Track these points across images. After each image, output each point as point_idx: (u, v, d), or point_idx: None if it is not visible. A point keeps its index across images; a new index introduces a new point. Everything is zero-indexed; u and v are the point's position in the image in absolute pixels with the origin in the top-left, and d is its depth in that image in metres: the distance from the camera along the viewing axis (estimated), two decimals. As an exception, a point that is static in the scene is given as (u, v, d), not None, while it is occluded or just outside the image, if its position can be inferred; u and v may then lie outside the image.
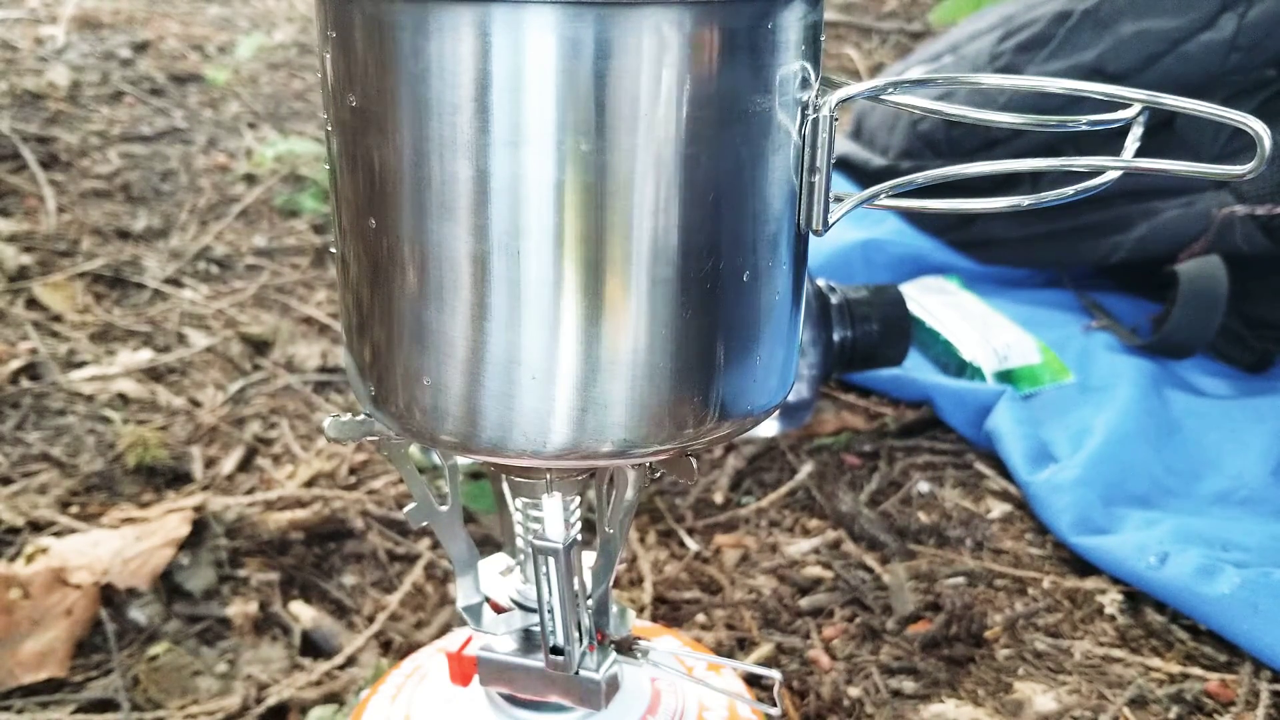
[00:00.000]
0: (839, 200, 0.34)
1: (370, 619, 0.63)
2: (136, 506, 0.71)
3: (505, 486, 0.44)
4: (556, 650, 0.42)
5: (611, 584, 0.42)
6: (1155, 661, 0.59)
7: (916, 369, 0.85)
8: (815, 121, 0.33)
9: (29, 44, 1.57)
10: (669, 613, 0.63)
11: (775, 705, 0.42)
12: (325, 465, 0.75)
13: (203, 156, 1.29)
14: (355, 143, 0.32)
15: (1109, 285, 0.97)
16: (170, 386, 0.86)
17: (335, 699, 0.57)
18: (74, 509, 0.71)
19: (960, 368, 0.84)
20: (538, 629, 0.43)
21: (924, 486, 0.74)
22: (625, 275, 0.31)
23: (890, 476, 0.75)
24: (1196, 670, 0.58)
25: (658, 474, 0.38)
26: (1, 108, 1.33)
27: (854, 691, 0.57)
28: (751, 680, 0.55)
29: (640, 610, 0.63)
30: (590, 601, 0.42)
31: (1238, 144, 0.83)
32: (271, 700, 0.57)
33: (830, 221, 0.34)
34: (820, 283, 0.78)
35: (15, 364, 0.87)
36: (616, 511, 0.39)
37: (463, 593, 0.44)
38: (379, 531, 0.70)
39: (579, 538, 0.41)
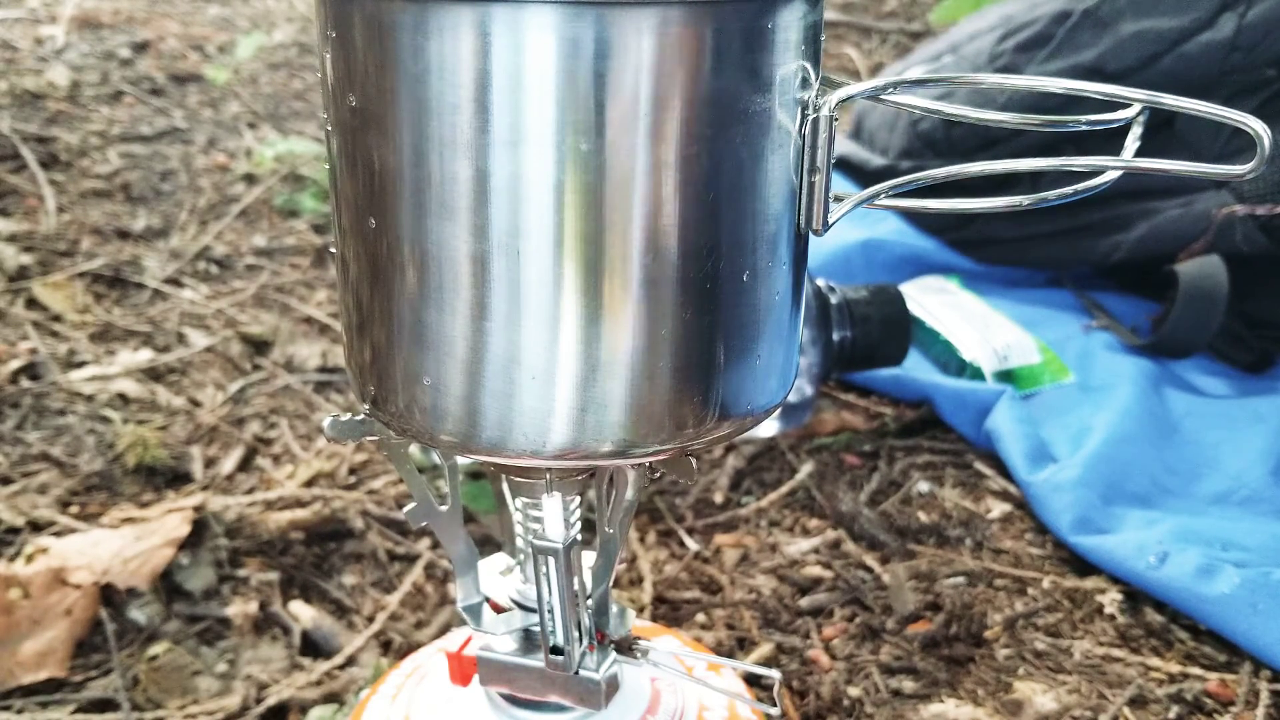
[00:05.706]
0: (839, 200, 0.34)
1: (370, 619, 0.63)
2: (136, 506, 0.71)
3: (505, 486, 0.44)
4: (556, 650, 0.42)
5: (611, 584, 0.42)
6: (1155, 661, 0.59)
7: (916, 369, 0.85)
8: (815, 121, 0.33)
9: (29, 44, 1.57)
10: (669, 613, 0.63)
11: (775, 705, 0.42)
12: (325, 465, 0.75)
13: (203, 156, 1.29)
14: (355, 143, 0.32)
15: (1109, 285, 0.97)
16: (170, 386, 0.86)
17: (335, 699, 0.57)
18: (74, 509, 0.71)
19: (960, 368, 0.84)
20: (538, 629, 0.43)
21: (924, 486, 0.74)
22: (625, 275, 0.31)
23: (890, 476, 0.75)
24: (1196, 670, 0.58)
25: (658, 474, 0.38)
26: (1, 108, 1.33)
27: (854, 691, 0.57)
28: (751, 680, 0.55)
29: (640, 610, 0.63)
30: (590, 601, 0.42)
31: (1238, 144, 0.83)
32: (271, 700, 0.57)
33: (830, 221, 0.34)
34: (820, 283, 0.78)
35: (15, 364, 0.87)
36: (616, 511, 0.39)
37: (463, 593, 0.44)
38: (379, 531, 0.70)
39: (579, 538, 0.41)
